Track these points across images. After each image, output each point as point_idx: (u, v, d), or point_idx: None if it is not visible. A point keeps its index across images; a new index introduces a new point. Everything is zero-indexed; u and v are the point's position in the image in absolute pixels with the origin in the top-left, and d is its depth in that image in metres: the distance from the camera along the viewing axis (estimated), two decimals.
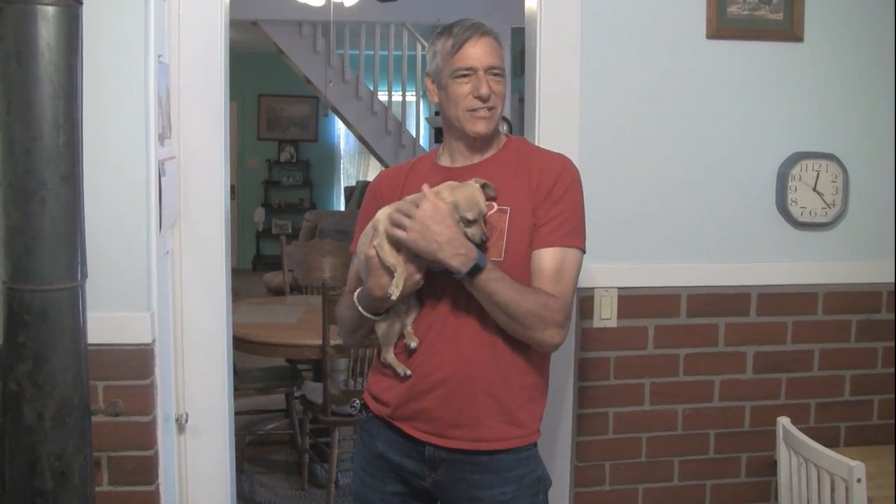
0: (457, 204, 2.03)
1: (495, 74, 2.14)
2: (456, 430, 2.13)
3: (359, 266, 2.21)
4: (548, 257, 2.11)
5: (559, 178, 2.15)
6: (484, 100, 2.12)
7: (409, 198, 2.08)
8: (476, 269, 2.01)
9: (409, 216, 2.02)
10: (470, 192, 2.05)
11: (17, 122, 1.88)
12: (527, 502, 2.16)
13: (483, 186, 2.09)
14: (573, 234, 2.14)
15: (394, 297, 2.04)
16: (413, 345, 2.14)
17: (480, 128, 2.15)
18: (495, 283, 2.02)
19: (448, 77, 2.14)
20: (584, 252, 2.17)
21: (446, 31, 2.17)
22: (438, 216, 2.01)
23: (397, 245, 2.07)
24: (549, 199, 2.13)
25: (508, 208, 2.13)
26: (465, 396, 2.11)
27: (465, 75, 2.12)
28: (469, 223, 2.03)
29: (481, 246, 2.06)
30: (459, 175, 2.18)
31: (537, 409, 2.21)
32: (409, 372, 2.15)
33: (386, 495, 2.23)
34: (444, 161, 2.26)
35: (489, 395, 2.12)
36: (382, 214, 2.11)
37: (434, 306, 2.14)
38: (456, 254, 2.01)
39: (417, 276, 2.08)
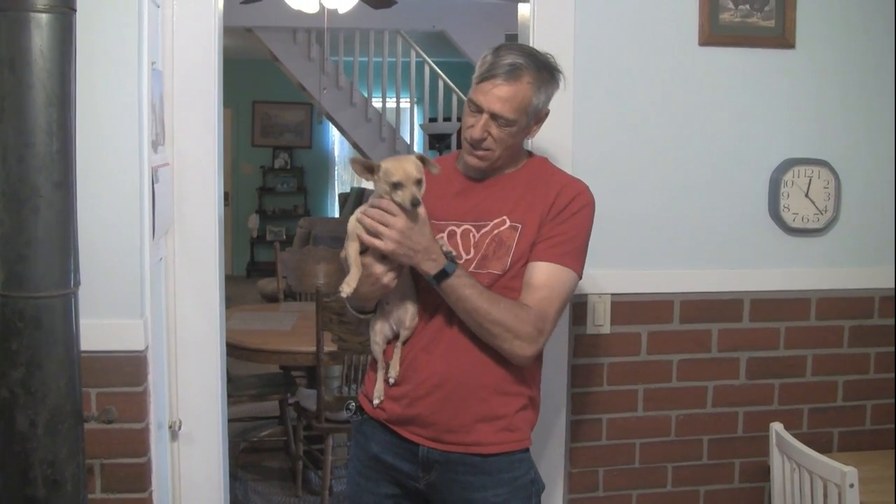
0: (386, 170, 2.04)
1: (503, 124, 2.12)
2: (450, 434, 2.15)
3: None
4: (539, 272, 2.13)
5: (572, 201, 2.18)
6: (473, 143, 2.13)
7: (374, 201, 2.08)
8: (443, 274, 2.04)
9: (385, 224, 2.03)
10: (401, 161, 2.07)
11: (10, 130, 1.88)
12: None
13: (422, 160, 2.09)
14: (571, 256, 2.16)
15: (343, 295, 2.07)
16: (392, 380, 2.18)
17: (472, 163, 2.19)
18: (464, 290, 2.05)
19: (468, 99, 2.16)
20: (579, 277, 2.19)
21: (495, 51, 2.14)
22: (418, 227, 2.04)
23: (363, 247, 2.09)
24: (558, 218, 2.15)
25: (520, 226, 2.15)
26: (459, 402, 2.13)
27: (475, 107, 2.13)
28: (395, 186, 2.03)
29: (410, 211, 2.05)
30: (478, 184, 2.22)
31: (529, 416, 2.24)
32: (376, 402, 2.20)
33: (380, 497, 2.25)
34: (464, 168, 2.27)
35: (483, 402, 2.14)
36: (352, 219, 2.13)
37: (430, 313, 2.16)
38: (428, 259, 2.05)
39: (386, 279, 2.10)
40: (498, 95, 2.09)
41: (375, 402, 2.20)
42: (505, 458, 2.16)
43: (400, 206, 2.03)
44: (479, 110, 2.11)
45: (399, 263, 2.09)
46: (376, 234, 2.04)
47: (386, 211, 2.04)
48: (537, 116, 2.19)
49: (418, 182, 2.04)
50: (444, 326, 2.13)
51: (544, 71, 2.14)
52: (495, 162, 2.18)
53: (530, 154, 2.32)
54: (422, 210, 2.06)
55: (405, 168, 2.04)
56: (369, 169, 2.07)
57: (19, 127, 1.88)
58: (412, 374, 2.16)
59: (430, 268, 2.05)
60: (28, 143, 1.88)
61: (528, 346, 2.10)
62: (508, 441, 2.17)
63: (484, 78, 2.10)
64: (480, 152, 2.15)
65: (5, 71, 1.87)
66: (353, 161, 2.10)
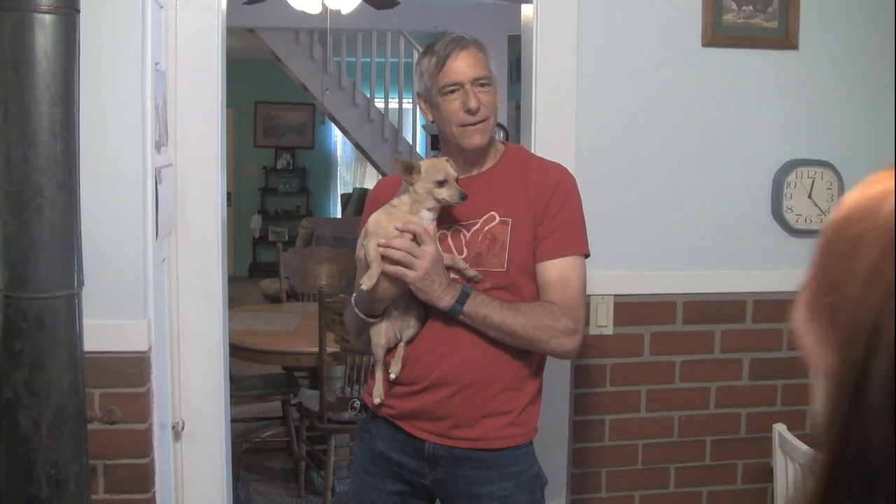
0: (427, 169, 2.09)
1: (482, 85, 2.15)
2: (457, 430, 2.16)
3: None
4: (552, 269, 2.16)
5: (556, 190, 2.18)
6: (473, 113, 2.14)
7: (399, 225, 2.09)
8: (460, 302, 2.07)
9: (414, 255, 2.04)
10: (440, 162, 2.14)
11: (14, 130, 1.89)
12: (525, 498, 2.21)
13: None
14: (574, 243, 2.19)
15: (364, 287, 2.07)
16: (393, 375, 2.18)
17: (476, 141, 2.17)
18: (484, 307, 2.08)
19: (437, 95, 2.17)
20: (587, 255, 2.22)
21: (429, 50, 2.19)
22: (440, 264, 2.06)
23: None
24: (548, 212, 2.17)
25: (510, 220, 2.16)
26: (466, 399, 2.15)
27: (452, 91, 2.14)
28: (440, 184, 2.08)
29: (450, 213, 2.15)
30: (461, 183, 2.21)
31: (535, 410, 2.26)
32: (378, 401, 2.21)
33: (385, 494, 2.26)
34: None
35: (491, 399, 2.16)
36: (372, 217, 2.15)
37: (433, 317, 2.17)
38: (445, 293, 2.07)
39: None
40: (466, 62, 2.14)
41: (376, 401, 2.20)
42: (510, 452, 2.18)
43: (446, 201, 2.09)
44: (458, 87, 2.14)
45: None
46: (404, 264, 2.04)
47: (415, 238, 2.06)
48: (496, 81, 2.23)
49: (457, 181, 2.11)
50: (449, 328, 2.14)
51: (476, 41, 2.20)
52: (491, 133, 2.21)
53: (505, 144, 2.34)
54: (435, 246, 2.07)
55: (447, 167, 2.11)
56: (409, 169, 2.11)
57: (23, 127, 1.88)
58: (417, 373, 2.17)
59: (447, 301, 2.07)
60: (32, 143, 1.89)
61: (569, 339, 2.14)
62: (514, 436, 2.18)
63: (442, 63, 2.14)
64: (480, 124, 2.16)
65: (9, 71, 1.88)
66: (396, 160, 2.14)
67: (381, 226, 2.11)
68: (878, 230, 0.71)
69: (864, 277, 0.70)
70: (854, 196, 0.79)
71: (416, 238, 2.06)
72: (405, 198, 2.13)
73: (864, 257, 0.70)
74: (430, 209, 2.11)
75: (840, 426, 0.71)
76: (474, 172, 2.24)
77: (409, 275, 2.04)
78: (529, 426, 2.22)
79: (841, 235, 0.75)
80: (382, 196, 2.31)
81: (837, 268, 0.74)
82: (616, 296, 2.96)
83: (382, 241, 2.07)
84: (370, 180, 12.73)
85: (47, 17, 1.88)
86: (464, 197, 2.09)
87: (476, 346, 2.13)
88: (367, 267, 2.09)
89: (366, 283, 2.07)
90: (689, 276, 3.01)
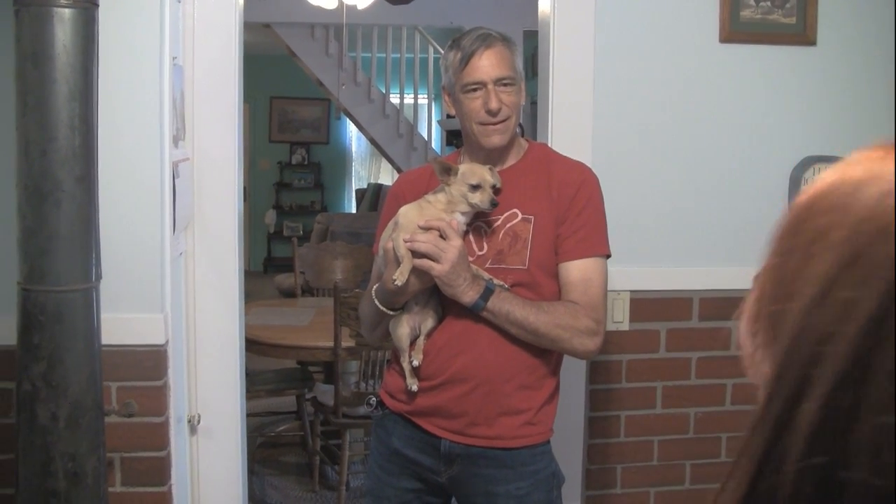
0: (464, 173, 2.10)
1: (505, 85, 2.14)
2: (473, 428, 2.16)
3: (379, 261, 2.24)
4: (574, 269, 2.16)
5: (579, 189, 2.18)
6: (493, 114, 2.13)
7: (421, 223, 2.10)
8: (484, 298, 2.06)
9: (441, 249, 2.04)
10: (478, 167, 2.14)
11: (33, 124, 1.90)
12: (541, 497, 2.20)
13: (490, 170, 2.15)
14: (597, 244, 2.19)
15: (398, 283, 2.07)
16: (416, 363, 2.17)
17: (495, 141, 2.17)
18: (507, 304, 2.08)
19: (459, 92, 2.17)
20: (608, 255, 2.22)
21: (455, 44, 2.18)
22: (465, 258, 2.07)
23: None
24: (571, 211, 2.16)
25: (533, 217, 2.16)
26: (483, 396, 2.14)
27: (474, 89, 2.14)
28: (474, 188, 2.09)
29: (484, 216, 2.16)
30: None
31: (552, 409, 2.25)
32: (415, 388, 2.18)
33: (401, 491, 2.26)
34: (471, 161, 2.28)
35: (507, 397, 2.15)
36: (403, 210, 2.15)
37: (454, 310, 2.17)
38: (469, 289, 2.07)
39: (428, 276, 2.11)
40: (490, 61, 2.13)
41: (414, 388, 2.18)
42: (527, 451, 2.18)
43: (477, 206, 2.09)
44: (480, 87, 2.13)
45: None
46: (430, 257, 2.05)
47: (441, 233, 2.07)
48: (522, 79, 2.22)
49: (493, 188, 2.11)
50: (466, 325, 2.14)
51: (504, 38, 2.19)
52: (512, 132, 2.20)
53: (528, 141, 2.33)
54: (460, 240, 2.09)
55: (483, 173, 2.11)
56: (447, 170, 2.12)
57: (42, 121, 1.89)
58: (434, 369, 2.17)
59: (471, 297, 2.06)
60: (50, 137, 1.90)
61: (590, 340, 2.13)
62: (531, 435, 2.18)
63: (466, 60, 2.13)
64: (501, 124, 2.16)
65: (28, 66, 1.89)
66: (435, 160, 2.15)
67: (411, 220, 2.12)
68: (846, 229, 0.56)
69: (816, 290, 0.56)
70: (828, 178, 0.62)
71: (441, 234, 2.07)
72: (441, 196, 2.13)
73: (820, 261, 0.57)
74: (463, 213, 2.12)
75: (757, 456, 0.60)
76: (496, 169, 2.24)
77: (437, 268, 2.04)
78: (546, 425, 2.22)
79: (802, 227, 0.61)
80: (404, 190, 2.31)
81: (790, 269, 0.61)
82: (632, 291, 2.95)
83: (408, 235, 2.08)
84: (385, 176, 12.74)
85: (66, 11, 1.88)
86: (494, 204, 2.09)
87: (493, 344, 2.12)
88: (396, 259, 2.09)
89: (399, 278, 2.07)
90: (706, 273, 3.00)
